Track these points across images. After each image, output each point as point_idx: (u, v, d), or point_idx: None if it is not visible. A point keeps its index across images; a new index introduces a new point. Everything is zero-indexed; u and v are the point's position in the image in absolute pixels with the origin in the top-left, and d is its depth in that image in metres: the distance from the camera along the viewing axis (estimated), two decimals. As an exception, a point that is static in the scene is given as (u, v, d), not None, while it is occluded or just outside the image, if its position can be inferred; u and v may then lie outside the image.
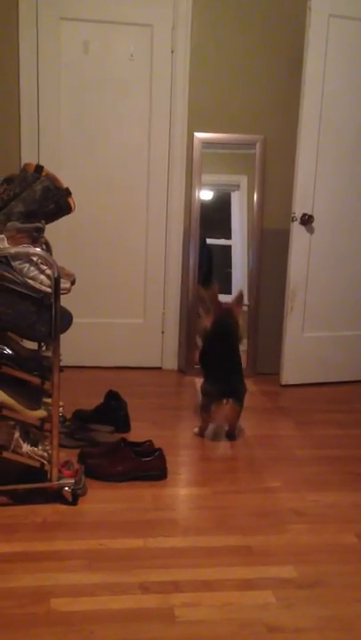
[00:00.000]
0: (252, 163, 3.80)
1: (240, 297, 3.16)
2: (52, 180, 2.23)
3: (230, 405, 2.86)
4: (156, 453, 2.53)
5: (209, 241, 3.97)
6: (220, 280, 4.11)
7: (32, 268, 2.15)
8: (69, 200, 2.26)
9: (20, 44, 3.49)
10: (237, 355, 3.04)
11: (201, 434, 3.00)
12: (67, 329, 2.29)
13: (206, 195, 3.89)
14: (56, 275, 2.13)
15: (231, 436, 2.99)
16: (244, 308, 3.83)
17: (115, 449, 2.53)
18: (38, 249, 2.15)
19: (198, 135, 3.73)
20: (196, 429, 3.02)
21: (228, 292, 4.05)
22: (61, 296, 2.17)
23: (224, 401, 2.85)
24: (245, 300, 3.85)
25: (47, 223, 2.25)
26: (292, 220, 3.55)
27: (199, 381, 3.58)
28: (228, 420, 2.94)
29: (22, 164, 2.32)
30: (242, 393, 2.94)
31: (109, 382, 3.44)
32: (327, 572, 1.96)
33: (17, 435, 2.25)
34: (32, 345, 2.69)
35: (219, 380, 2.92)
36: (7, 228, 2.16)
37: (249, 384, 3.74)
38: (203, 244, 3.90)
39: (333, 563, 2.01)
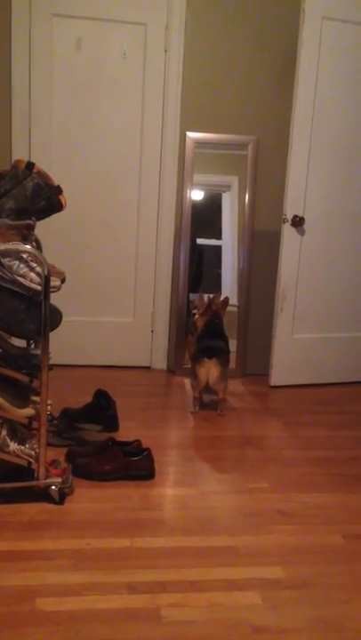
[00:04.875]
0: (244, 163, 3.80)
1: (225, 301, 3.46)
2: (44, 177, 2.21)
3: (213, 362, 3.15)
4: (144, 453, 2.52)
5: (199, 241, 3.97)
6: (210, 280, 4.11)
7: (22, 266, 2.14)
8: (60, 198, 2.25)
9: (12, 39, 3.47)
10: (223, 335, 3.37)
11: (195, 408, 3.28)
12: (56, 327, 2.28)
13: (197, 194, 3.89)
14: (46, 272, 2.12)
15: (219, 406, 3.26)
16: (234, 309, 3.86)
17: (103, 448, 2.52)
18: (29, 246, 2.14)
19: (190, 135, 3.73)
20: (191, 407, 3.29)
21: (218, 292, 4.05)
22: (51, 294, 2.16)
23: (205, 359, 3.14)
24: (235, 301, 3.89)
25: (38, 220, 2.24)
26: (283, 222, 3.55)
27: (188, 382, 3.59)
28: (211, 379, 3.17)
29: (13, 161, 2.30)
30: (223, 353, 3.22)
31: (98, 381, 3.43)
32: (314, 573, 1.96)
33: (4, 433, 2.24)
34: (21, 343, 2.68)
35: (203, 345, 3.25)
36: (-3, 224, 2.15)
37: (238, 385, 3.76)
38: (193, 244, 3.90)
39: (320, 564, 2.02)
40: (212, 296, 3.46)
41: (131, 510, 2.28)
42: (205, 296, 3.51)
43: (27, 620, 1.68)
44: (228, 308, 3.50)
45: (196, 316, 3.49)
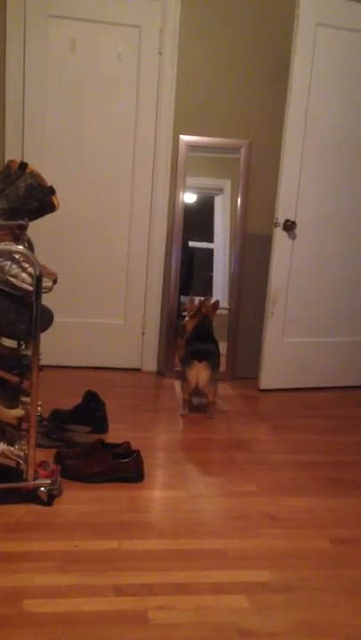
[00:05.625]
0: (237, 167, 3.82)
1: (215, 304, 3.47)
2: (36, 177, 2.21)
3: (203, 365, 3.16)
4: (134, 455, 2.52)
5: (191, 244, 3.98)
6: (201, 283, 4.12)
7: (14, 266, 2.14)
8: (53, 198, 2.25)
9: (6, 40, 3.47)
10: (213, 338, 3.37)
11: (184, 411, 3.29)
12: (47, 328, 2.27)
13: (190, 197, 3.89)
14: (38, 273, 2.12)
15: (208, 409, 3.27)
16: (225, 312, 3.86)
17: (92, 450, 2.52)
18: (21, 246, 2.14)
19: (184, 138, 3.74)
20: (181, 410, 3.30)
21: (209, 294, 4.06)
22: (42, 294, 2.16)
23: (195, 361, 3.15)
24: (226, 304, 3.90)
25: (30, 221, 2.24)
26: (275, 226, 3.57)
27: (178, 384, 3.60)
28: (201, 381, 3.19)
29: (6, 161, 2.30)
30: (213, 356, 3.23)
31: (88, 382, 3.42)
32: (301, 577, 1.97)
33: (-7, 433, 2.23)
34: (11, 343, 2.67)
35: (193, 348, 3.24)
36: (-11, 224, 2.14)
37: (227, 388, 3.77)
38: (185, 247, 3.91)
39: (307, 568, 2.03)
40: (202, 299, 3.46)
41: (119, 512, 2.28)
42: (196, 299, 3.52)
43: (13, 621, 1.68)
44: (219, 311, 3.50)
45: (186, 319, 3.50)
